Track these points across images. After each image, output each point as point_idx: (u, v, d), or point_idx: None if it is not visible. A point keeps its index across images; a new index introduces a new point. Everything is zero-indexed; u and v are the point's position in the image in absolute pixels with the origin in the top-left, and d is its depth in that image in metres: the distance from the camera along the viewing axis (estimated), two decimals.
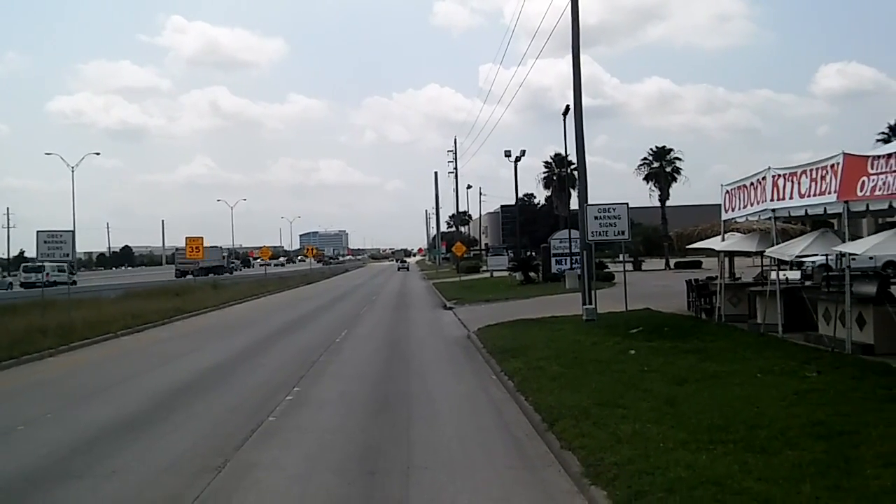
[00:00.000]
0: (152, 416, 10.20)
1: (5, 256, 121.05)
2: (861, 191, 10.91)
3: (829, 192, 11.81)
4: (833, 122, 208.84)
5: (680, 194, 58.87)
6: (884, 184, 10.33)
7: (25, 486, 7.12)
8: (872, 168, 10.67)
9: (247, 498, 6.62)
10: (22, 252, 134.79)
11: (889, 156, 10.32)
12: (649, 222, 60.25)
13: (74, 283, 39.97)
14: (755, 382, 9.85)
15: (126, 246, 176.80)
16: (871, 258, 25.65)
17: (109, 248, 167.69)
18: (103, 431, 9.36)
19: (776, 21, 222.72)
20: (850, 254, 11.94)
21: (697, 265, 45.43)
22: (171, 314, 26.41)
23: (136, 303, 29.33)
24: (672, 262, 51.89)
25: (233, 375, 13.66)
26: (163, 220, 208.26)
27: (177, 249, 73.10)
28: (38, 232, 21.67)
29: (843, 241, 11.83)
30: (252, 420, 9.65)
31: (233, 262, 77.85)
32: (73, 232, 22.61)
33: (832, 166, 11.77)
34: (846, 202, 11.37)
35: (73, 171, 68.93)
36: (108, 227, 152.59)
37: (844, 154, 11.42)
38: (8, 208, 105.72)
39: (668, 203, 57.32)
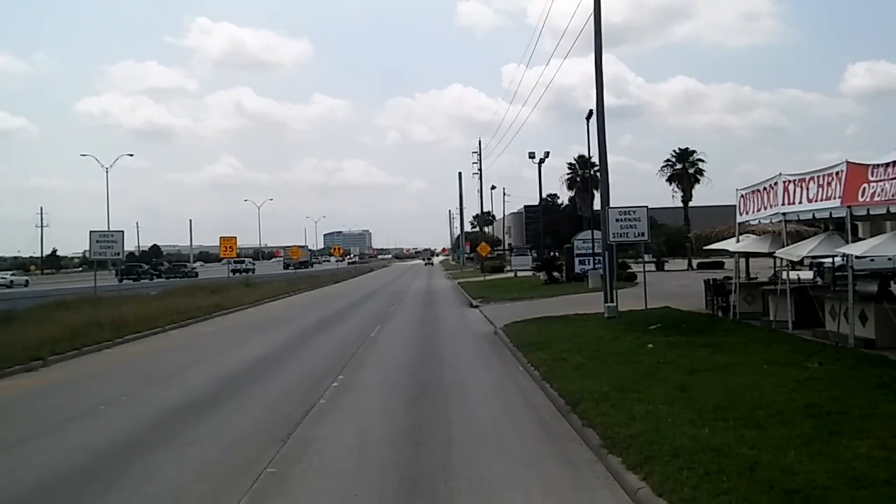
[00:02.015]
0: (216, 399, 11.43)
1: (37, 255, 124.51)
2: (862, 197, 11.82)
3: (834, 198, 12.72)
4: (862, 121, 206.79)
5: (706, 194, 59.37)
6: (882, 190, 11.24)
7: (123, 451, 8.33)
8: (872, 176, 11.57)
9: (312, 463, 7.75)
10: (55, 251, 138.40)
11: (887, 165, 11.21)
12: (673, 223, 60.79)
13: (253, 271, 72.35)
14: (761, 372, 10.80)
15: (155, 245, 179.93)
16: (889, 259, 26.25)
17: (139, 247, 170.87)
18: (175, 411, 10.60)
19: (804, 19, 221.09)
20: (851, 255, 12.77)
21: (720, 266, 45.93)
22: (211, 310, 27.83)
23: (176, 300, 30.79)
24: (695, 262, 52.43)
25: (280, 365, 14.88)
26: (190, 220, 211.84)
27: (285, 248, 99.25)
28: (90, 232, 23.16)
29: (847, 243, 12.70)
30: (305, 402, 10.81)
31: (315, 259, 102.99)
32: (123, 232, 24.06)
33: (837, 173, 12.68)
34: (849, 207, 12.28)
35: (107, 172, 71.45)
36: (137, 227, 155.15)
37: (848, 162, 12.34)
38: (42, 208, 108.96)
39: (693, 203, 57.85)
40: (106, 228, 32.90)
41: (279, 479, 7.14)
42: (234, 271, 76.62)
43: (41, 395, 12.23)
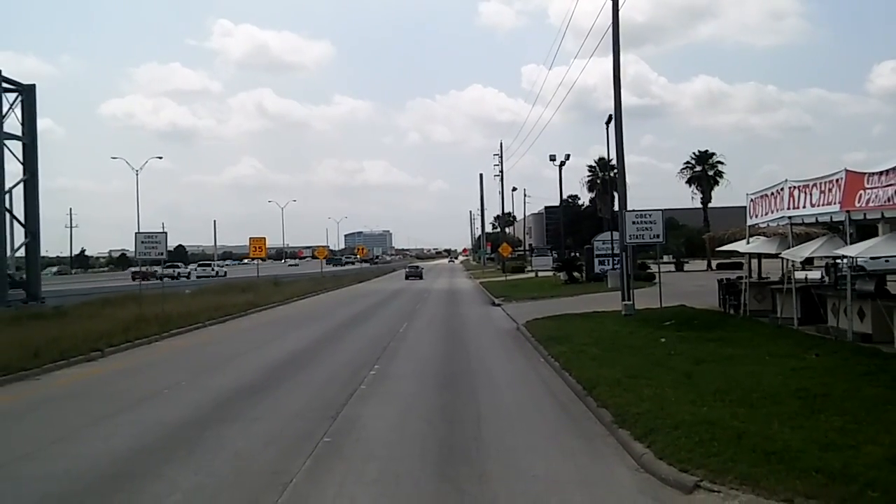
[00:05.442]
0: (267, 384, 12.68)
1: (64, 254, 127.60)
2: (859, 202, 12.82)
3: (835, 203, 13.72)
4: (888, 120, 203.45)
5: (729, 195, 59.30)
6: (876, 197, 12.24)
7: (195, 425, 9.59)
8: (868, 183, 12.57)
9: (361, 434, 8.95)
10: (83, 250, 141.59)
11: (880, 173, 12.20)
12: (694, 224, 61.40)
13: (354, 263, 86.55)
14: (762, 362, 11.84)
15: (180, 245, 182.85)
16: None
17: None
18: (233, 393, 11.86)
19: (830, 18, 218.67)
20: (850, 255, 13.76)
21: (739, 266, 46.46)
22: (246, 307, 29.26)
23: (212, 298, 32.34)
24: (714, 263, 53.05)
25: (320, 356, 16.15)
26: (214, 221, 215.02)
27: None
28: (136, 233, 24.72)
29: (846, 245, 13.68)
30: (347, 388, 12.02)
31: (377, 256, 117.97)
32: (166, 234, 25.50)
33: (837, 180, 13.68)
34: (847, 212, 13.27)
35: (137, 175, 73.55)
36: (163, 227, 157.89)
37: (846, 171, 13.34)
38: (71, 209, 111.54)
39: (715, 204, 58.37)
40: (135, 230, 34.68)
41: (335, 446, 8.35)
42: (343, 263, 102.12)
43: (109, 381, 13.56)
